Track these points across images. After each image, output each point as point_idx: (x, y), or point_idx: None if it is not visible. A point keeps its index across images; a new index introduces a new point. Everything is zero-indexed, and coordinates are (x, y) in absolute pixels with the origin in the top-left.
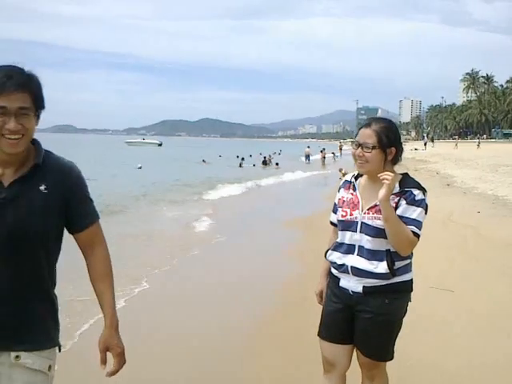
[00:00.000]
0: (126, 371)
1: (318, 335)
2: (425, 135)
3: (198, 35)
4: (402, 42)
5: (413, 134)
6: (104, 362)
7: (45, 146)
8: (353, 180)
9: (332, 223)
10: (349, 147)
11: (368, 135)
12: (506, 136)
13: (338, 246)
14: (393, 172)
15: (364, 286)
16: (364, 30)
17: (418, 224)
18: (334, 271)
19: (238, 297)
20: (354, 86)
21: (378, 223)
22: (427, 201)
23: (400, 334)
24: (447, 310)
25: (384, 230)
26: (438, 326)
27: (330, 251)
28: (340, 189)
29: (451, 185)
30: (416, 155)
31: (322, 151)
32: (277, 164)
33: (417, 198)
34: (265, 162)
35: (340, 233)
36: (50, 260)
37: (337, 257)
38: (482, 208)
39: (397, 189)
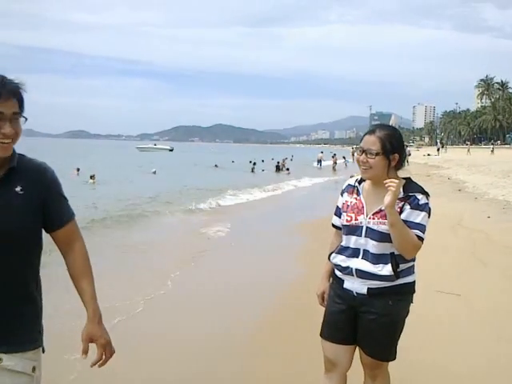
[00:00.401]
0: (133, 369)
1: (320, 335)
2: (438, 141)
3: (212, 42)
4: (416, 49)
5: (426, 139)
6: (85, 351)
7: (56, 151)
8: (356, 184)
9: (334, 226)
10: None
11: (372, 142)
12: None
13: (342, 250)
14: (396, 178)
15: (369, 288)
16: (378, 36)
17: (422, 228)
18: (338, 273)
19: (244, 298)
20: (367, 91)
21: (383, 228)
22: (430, 205)
23: (404, 337)
24: (453, 313)
25: (389, 234)
26: (442, 329)
27: (334, 254)
28: (343, 193)
29: (462, 190)
30: (429, 161)
31: (333, 157)
32: (287, 169)
33: (421, 203)
34: (278, 168)
35: (345, 237)
36: (31, 261)
37: (341, 260)
38: (493, 213)
39: (401, 194)
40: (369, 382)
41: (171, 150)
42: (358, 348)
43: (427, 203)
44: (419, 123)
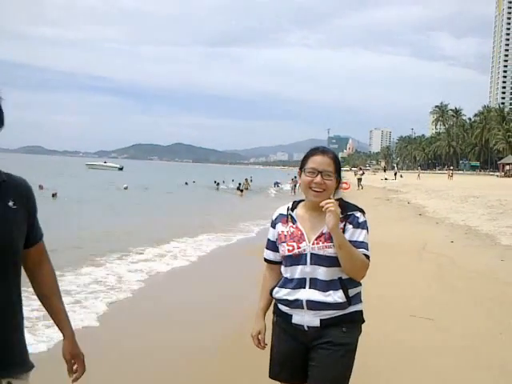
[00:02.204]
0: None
1: (276, 379)
2: (395, 165)
3: (174, 61)
4: (374, 74)
5: (382, 163)
6: (72, 371)
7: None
8: (290, 212)
9: (267, 260)
10: None
11: (328, 163)
12: (473, 168)
13: (286, 282)
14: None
15: (321, 320)
16: (337, 61)
17: (366, 246)
18: (283, 308)
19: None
20: (326, 115)
21: (330, 252)
22: (368, 223)
23: (383, 362)
24: (428, 338)
25: (336, 258)
26: (419, 354)
27: (277, 288)
28: (275, 224)
29: (423, 214)
30: (387, 185)
31: (292, 179)
32: (241, 191)
33: (360, 221)
34: (239, 189)
35: (288, 268)
36: (19, 280)
37: (287, 293)
38: (455, 238)
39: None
40: None
41: (121, 169)
42: None
43: (366, 221)
44: (376, 147)
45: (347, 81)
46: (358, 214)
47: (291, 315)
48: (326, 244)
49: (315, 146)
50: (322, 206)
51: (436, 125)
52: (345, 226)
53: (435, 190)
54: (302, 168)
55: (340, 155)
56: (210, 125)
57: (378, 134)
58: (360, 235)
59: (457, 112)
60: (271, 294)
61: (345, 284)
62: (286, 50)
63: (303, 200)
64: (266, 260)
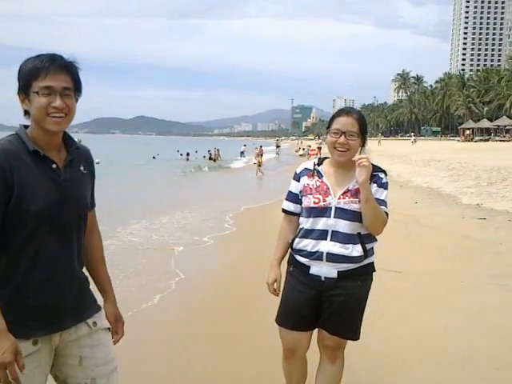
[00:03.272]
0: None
1: (280, 324)
2: None
3: (134, 33)
4: (336, 43)
5: None
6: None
7: None
8: (316, 167)
9: (287, 211)
10: (285, 145)
11: (351, 123)
12: (435, 133)
13: (307, 233)
14: None
15: (339, 271)
16: (299, 31)
17: (386, 204)
18: (302, 259)
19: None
20: (289, 85)
21: (355, 207)
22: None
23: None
24: (397, 288)
25: (359, 213)
26: (389, 303)
27: (297, 239)
28: (300, 177)
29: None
30: None
31: (257, 148)
32: (214, 160)
33: (383, 181)
34: (210, 158)
35: (311, 220)
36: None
37: (308, 244)
38: (419, 199)
39: None
40: (328, 365)
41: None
42: (317, 331)
43: (387, 182)
44: None
45: (309, 50)
46: (382, 175)
47: (309, 266)
48: (352, 199)
49: (278, 115)
50: (349, 164)
51: (398, 92)
52: (369, 184)
53: (398, 156)
54: (328, 128)
55: (304, 125)
56: (173, 97)
57: (341, 102)
58: (382, 194)
59: (418, 79)
60: (291, 245)
61: (363, 239)
62: (246, 21)
63: (327, 157)
64: (285, 211)
